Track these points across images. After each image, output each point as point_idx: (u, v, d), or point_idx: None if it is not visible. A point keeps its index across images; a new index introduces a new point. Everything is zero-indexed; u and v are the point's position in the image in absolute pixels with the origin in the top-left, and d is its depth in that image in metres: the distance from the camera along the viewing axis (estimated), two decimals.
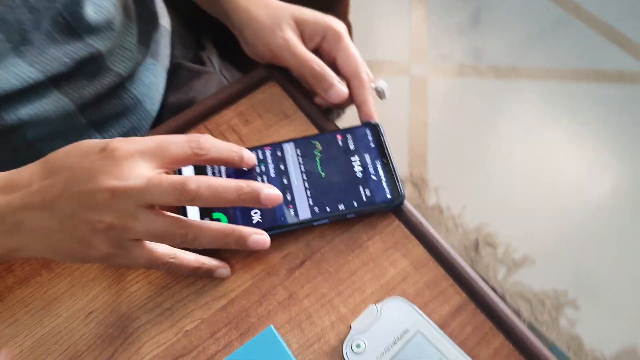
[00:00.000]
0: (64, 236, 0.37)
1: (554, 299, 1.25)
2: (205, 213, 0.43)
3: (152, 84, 0.59)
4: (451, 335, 0.40)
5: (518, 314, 1.21)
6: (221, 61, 0.71)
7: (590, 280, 1.27)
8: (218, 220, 0.43)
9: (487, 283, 0.42)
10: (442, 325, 0.40)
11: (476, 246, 1.31)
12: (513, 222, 1.34)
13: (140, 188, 0.35)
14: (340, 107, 0.51)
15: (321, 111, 0.50)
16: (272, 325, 0.36)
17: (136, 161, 0.36)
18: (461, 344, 0.40)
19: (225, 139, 0.49)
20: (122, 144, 0.37)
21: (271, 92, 0.52)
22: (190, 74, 0.65)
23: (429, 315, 0.41)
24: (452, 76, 1.57)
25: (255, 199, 0.38)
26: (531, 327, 1.20)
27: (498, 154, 1.43)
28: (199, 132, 0.50)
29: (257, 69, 0.52)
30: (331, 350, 0.40)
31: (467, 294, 0.41)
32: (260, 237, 0.40)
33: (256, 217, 0.43)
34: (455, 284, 0.42)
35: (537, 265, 1.28)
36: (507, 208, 1.36)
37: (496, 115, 1.50)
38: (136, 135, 0.57)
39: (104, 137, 0.55)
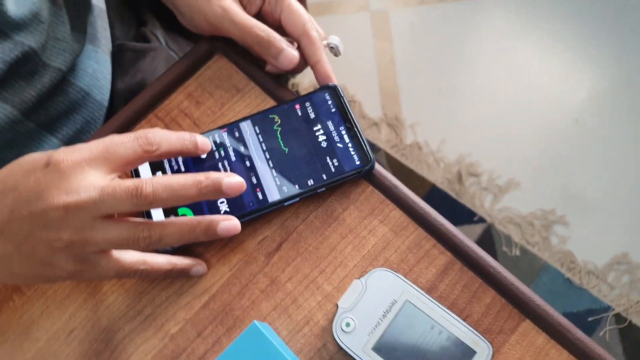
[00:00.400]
0: (23, 260, 0.35)
1: (542, 219, 1.26)
2: (170, 210, 0.40)
3: (96, 72, 0.55)
4: (440, 298, 0.39)
5: (508, 239, 1.23)
6: (167, 33, 0.65)
7: (577, 195, 1.28)
8: (184, 216, 0.40)
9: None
10: (430, 289, 0.39)
11: (459, 178, 1.31)
12: (493, 148, 1.33)
13: (94, 200, 0.33)
14: (294, 72, 0.48)
15: (275, 80, 0.47)
16: (255, 321, 0.35)
17: (84, 171, 0.34)
18: (452, 306, 0.39)
19: (179, 126, 0.46)
20: (66, 155, 0.34)
21: (218, 67, 0.48)
22: (135, 54, 0.60)
23: (415, 281, 0.39)
24: (413, 5, 1.51)
25: (217, 191, 0.35)
26: (523, 249, 1.22)
27: (470, 80, 1.40)
28: (150, 123, 0.46)
29: (198, 44, 0.48)
30: (321, 331, 0.39)
31: (452, 253, 0.40)
32: (229, 223, 0.37)
33: (223, 206, 0.40)
34: (439, 243, 0.40)
35: (522, 187, 1.29)
36: (485, 135, 1.34)
37: (464, 39, 1.46)
38: (92, 130, 0.53)
39: (57, 138, 0.52)
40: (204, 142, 0.39)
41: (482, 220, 1.26)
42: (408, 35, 1.48)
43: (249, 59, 0.47)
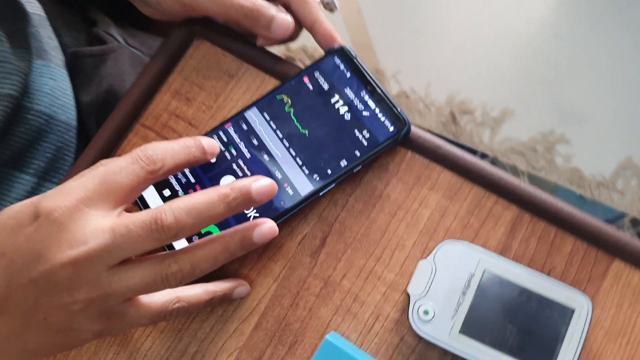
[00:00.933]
0: (37, 334, 0.29)
1: (543, 142, 1.23)
2: None
3: (54, 89, 0.47)
4: (517, 258, 0.34)
5: (514, 169, 1.20)
6: (122, 30, 0.58)
7: (571, 110, 1.25)
8: (209, 233, 0.35)
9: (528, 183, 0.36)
10: (503, 250, 0.35)
11: (453, 119, 1.27)
12: (480, 81, 1.28)
13: (106, 246, 0.27)
14: (290, 40, 0.42)
15: (270, 54, 0.40)
16: (327, 336, 0.30)
17: (84, 214, 0.28)
18: (531, 263, 0.34)
19: (173, 131, 0.39)
20: (56, 200, 0.28)
21: (201, 54, 0.41)
22: (94, 60, 0.53)
23: (485, 245, 0.35)
24: None
25: (248, 200, 0.30)
26: (531, 176, 1.19)
27: (441, 16, 1.34)
28: (139, 135, 0.40)
29: (173, 31, 0.41)
30: (395, 325, 0.34)
31: (517, 205, 0.35)
32: (265, 227, 0.32)
33: (251, 213, 0.35)
34: (500, 198, 0.36)
35: (517, 114, 1.25)
36: (469, 69, 1.29)
37: None
38: (66, 156, 0.47)
39: (29, 174, 0.45)
40: (211, 145, 0.33)
41: (484, 155, 1.23)
42: None
43: (235, 37, 0.41)
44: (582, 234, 0.34)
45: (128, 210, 0.30)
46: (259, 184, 0.30)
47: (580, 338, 0.31)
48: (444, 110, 1.27)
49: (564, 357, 0.31)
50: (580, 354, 0.30)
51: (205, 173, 0.36)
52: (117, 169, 0.29)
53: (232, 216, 0.35)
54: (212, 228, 0.35)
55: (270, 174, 0.35)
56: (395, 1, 1.36)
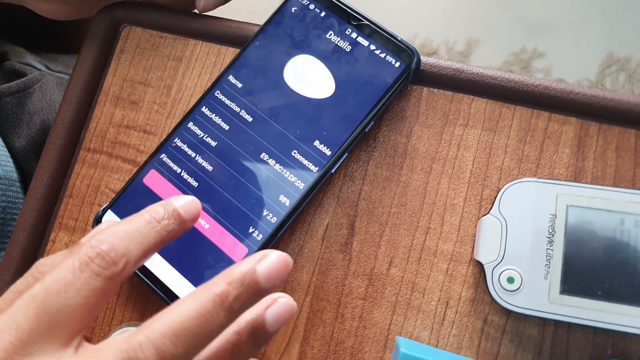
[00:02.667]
0: None
1: (518, 61, 1.17)
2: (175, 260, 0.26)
3: None
4: (597, 180, 0.27)
5: None
6: (40, 56, 0.49)
7: (536, 22, 1.19)
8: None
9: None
10: (578, 176, 0.27)
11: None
12: (434, 18, 1.21)
13: None
14: None
15: (217, 19, 0.32)
16: (402, 349, 0.22)
17: None
18: (618, 180, 0.27)
19: (127, 147, 0.31)
20: None
21: (134, 43, 0.32)
22: (17, 97, 0.43)
23: (554, 176, 0.27)
24: None
25: (256, 293, 0.20)
26: None
27: None
28: (87, 164, 0.31)
29: (92, 25, 0.32)
30: (472, 305, 0.27)
31: (577, 116, 0.28)
32: (279, 305, 0.21)
33: (254, 233, 0.27)
34: (553, 112, 0.28)
35: (483, 41, 1.18)
36: (419, 9, 1.22)
37: None
38: (15, 215, 0.38)
39: None
40: (189, 206, 0.22)
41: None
42: None
43: (168, 11, 0.32)
44: None
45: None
46: (267, 264, 0.20)
47: None
48: None
49: None
50: None
51: (180, 185, 0.28)
52: (61, 287, 0.19)
53: (230, 225, 0.27)
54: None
55: (265, 167, 0.27)
56: None
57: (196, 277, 0.26)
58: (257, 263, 0.19)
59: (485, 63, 1.19)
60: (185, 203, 0.21)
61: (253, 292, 0.19)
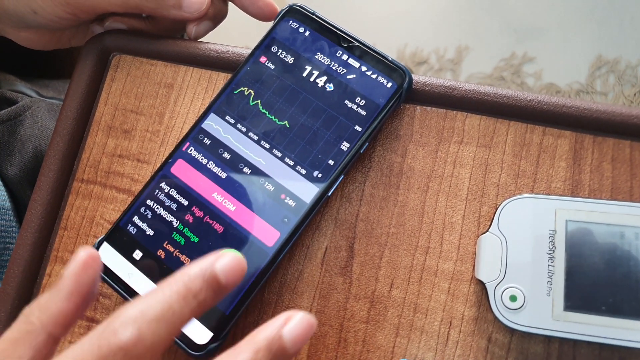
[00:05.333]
0: None
1: (508, 67, 1.17)
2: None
3: None
4: (595, 193, 0.27)
5: None
6: (31, 83, 0.48)
7: (526, 27, 1.20)
8: None
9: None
10: (575, 189, 0.27)
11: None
12: (423, 26, 1.22)
13: None
14: (221, 19, 0.33)
15: (207, 44, 0.32)
16: None
17: None
18: (615, 193, 0.27)
19: (121, 177, 0.31)
20: None
21: (125, 71, 0.32)
22: (7, 125, 0.43)
23: (551, 190, 0.27)
24: None
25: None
26: None
27: None
28: (81, 195, 0.31)
29: (81, 54, 0.32)
30: (475, 324, 0.26)
31: (572, 129, 0.28)
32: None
33: (262, 230, 0.26)
34: (547, 126, 0.28)
35: (473, 48, 1.19)
36: (408, 18, 1.23)
37: None
38: (10, 244, 0.38)
39: None
40: (231, 268, 0.19)
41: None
42: None
43: (159, 39, 0.32)
44: None
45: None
46: (293, 327, 0.19)
47: None
48: None
49: None
50: None
51: (176, 215, 0.27)
52: None
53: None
54: None
55: (258, 188, 0.27)
56: None
57: None
58: (283, 327, 0.19)
59: (476, 70, 1.20)
60: (227, 265, 0.19)
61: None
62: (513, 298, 0.25)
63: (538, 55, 1.19)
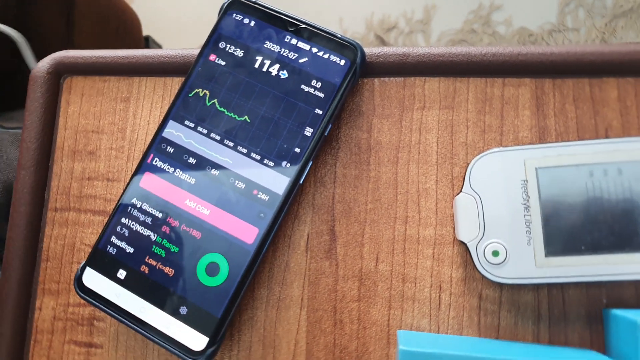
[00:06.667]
0: None
1: (478, 18, 1.17)
2: (190, 261, 0.26)
3: None
4: (562, 136, 0.27)
5: None
6: None
7: None
8: (215, 265, 0.26)
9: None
10: (543, 135, 0.27)
11: (382, 41, 1.19)
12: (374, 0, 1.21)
13: None
14: None
15: (154, 52, 0.31)
16: (400, 346, 0.22)
17: None
18: (582, 133, 0.27)
19: (94, 199, 0.30)
20: None
21: (78, 93, 0.32)
22: None
23: (519, 140, 0.27)
24: None
25: None
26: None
27: None
28: (58, 225, 0.30)
29: (30, 83, 0.32)
30: (464, 284, 0.27)
31: (530, 76, 0.28)
32: None
33: (240, 229, 0.26)
34: (506, 77, 0.28)
35: (439, 5, 1.18)
36: None
37: None
38: None
39: None
40: None
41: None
42: None
43: (106, 53, 0.32)
44: (621, 69, 0.27)
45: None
46: None
47: None
48: (369, 38, 1.19)
49: None
50: None
51: (153, 229, 0.27)
52: None
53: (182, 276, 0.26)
54: (219, 258, 0.26)
55: (229, 189, 0.27)
56: None
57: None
58: None
59: (446, 27, 1.19)
60: None
61: None
62: (495, 253, 0.25)
63: (504, 3, 1.19)
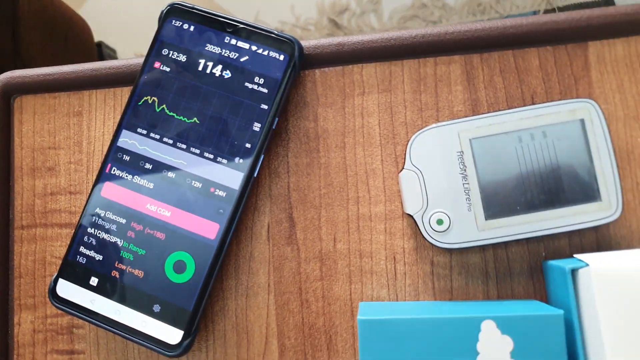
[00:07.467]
0: None
1: None
2: (156, 260, 0.28)
3: None
4: (493, 106, 0.29)
5: None
6: None
7: None
8: (182, 263, 0.27)
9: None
10: (476, 107, 0.29)
11: (335, 24, 1.20)
12: None
13: None
14: None
15: (101, 64, 0.32)
16: (359, 317, 0.24)
17: None
18: (511, 101, 0.29)
19: (59, 212, 0.31)
20: None
21: (30, 111, 0.32)
22: None
23: (454, 114, 0.29)
24: None
25: None
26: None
27: None
28: (27, 242, 0.31)
29: None
30: (416, 253, 0.29)
31: (458, 53, 0.29)
32: None
33: (201, 226, 0.28)
34: (437, 56, 0.30)
35: None
36: None
37: None
38: None
39: None
40: None
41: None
42: None
43: (51, 70, 0.32)
44: (540, 39, 0.29)
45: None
46: None
47: (606, 142, 0.26)
48: (323, 22, 1.20)
49: (602, 170, 0.26)
50: (615, 157, 0.26)
51: (118, 235, 0.28)
52: None
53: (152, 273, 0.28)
54: (186, 257, 0.28)
55: (187, 189, 0.28)
56: None
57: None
58: None
59: (397, 4, 1.20)
60: None
61: None
62: (440, 222, 0.27)
63: None
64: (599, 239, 0.28)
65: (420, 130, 0.27)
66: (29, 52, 0.66)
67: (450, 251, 0.28)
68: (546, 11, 1.16)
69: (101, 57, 0.89)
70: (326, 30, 1.19)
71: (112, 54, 0.94)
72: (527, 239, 0.28)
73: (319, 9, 1.19)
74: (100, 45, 0.88)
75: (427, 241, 0.27)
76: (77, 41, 0.76)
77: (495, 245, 0.28)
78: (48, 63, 0.63)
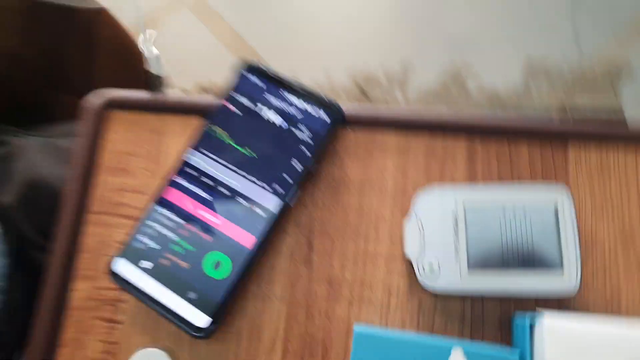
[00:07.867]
0: None
1: (451, 75, 1.28)
2: (196, 258, 0.34)
3: None
4: (486, 178, 0.36)
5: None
6: (14, 128, 0.57)
7: (461, 39, 1.30)
8: (219, 264, 0.34)
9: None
10: (472, 178, 0.36)
11: (363, 92, 1.30)
12: (366, 46, 1.31)
13: None
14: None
15: (182, 97, 0.40)
16: (355, 329, 0.30)
17: None
18: (500, 176, 0.36)
19: (127, 206, 0.38)
20: None
21: (119, 123, 0.40)
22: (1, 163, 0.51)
23: (454, 181, 0.36)
24: None
25: None
26: None
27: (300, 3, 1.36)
28: (95, 224, 0.38)
29: (84, 114, 0.40)
30: (409, 292, 0.35)
31: (464, 134, 0.37)
32: None
33: (241, 236, 0.35)
34: (447, 133, 0.37)
35: (416, 64, 1.29)
36: (351, 40, 1.32)
37: None
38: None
39: None
40: None
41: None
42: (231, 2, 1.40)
43: (145, 95, 0.41)
44: (531, 135, 0.36)
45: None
46: None
47: (573, 225, 0.33)
48: (352, 89, 1.30)
49: (567, 246, 0.32)
50: (579, 238, 0.32)
51: (174, 231, 0.35)
52: None
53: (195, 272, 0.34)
54: (223, 258, 0.34)
55: (234, 204, 0.35)
56: (257, 4, 1.37)
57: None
58: None
59: (423, 85, 1.28)
60: None
61: None
62: (431, 267, 0.33)
63: (477, 67, 1.29)
64: (561, 310, 0.33)
65: (425, 189, 0.34)
66: (99, 74, 0.76)
67: (436, 295, 0.34)
68: (559, 110, 1.24)
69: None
70: (355, 97, 1.28)
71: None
72: (501, 298, 0.34)
73: (349, 76, 1.29)
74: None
75: (419, 282, 0.34)
76: (131, 68, 0.86)
77: (473, 298, 0.34)
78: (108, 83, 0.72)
